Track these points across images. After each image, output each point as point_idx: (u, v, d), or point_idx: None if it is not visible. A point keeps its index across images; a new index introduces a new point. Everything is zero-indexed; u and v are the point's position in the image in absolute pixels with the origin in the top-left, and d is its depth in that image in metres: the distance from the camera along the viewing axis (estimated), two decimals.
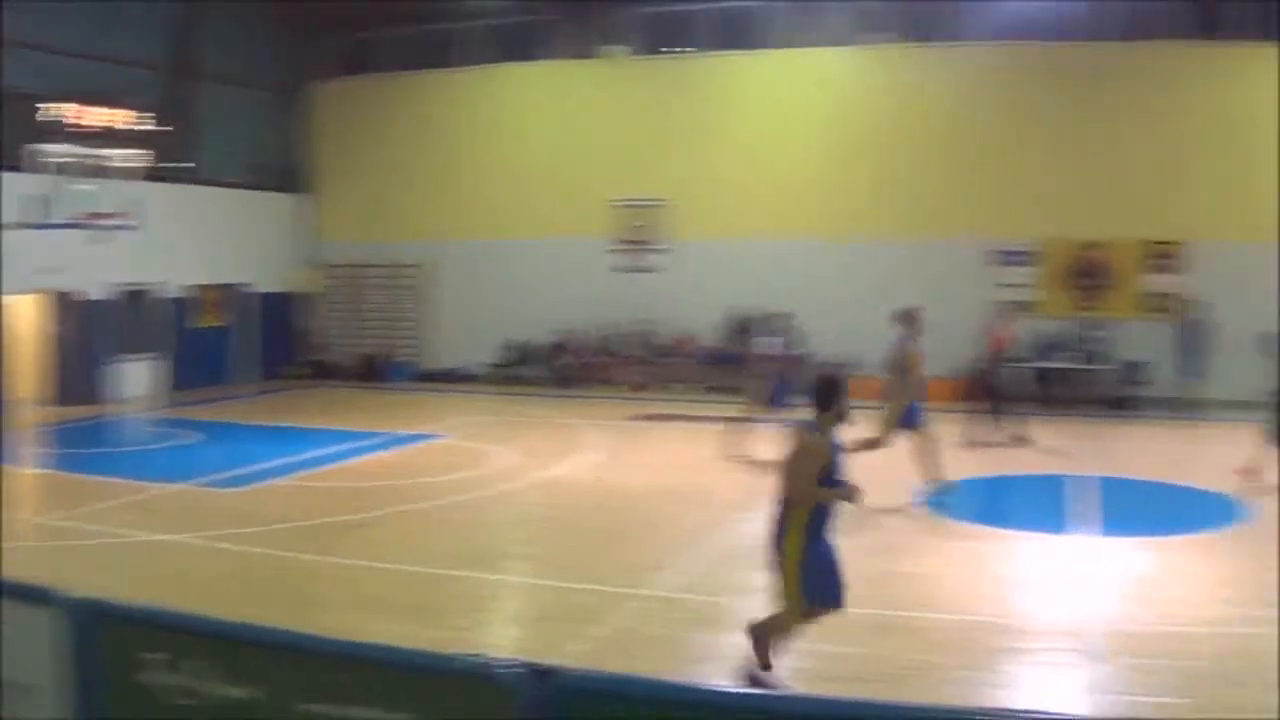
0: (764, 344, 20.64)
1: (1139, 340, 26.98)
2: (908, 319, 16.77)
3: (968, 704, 8.68)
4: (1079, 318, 27.66)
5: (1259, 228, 26.03)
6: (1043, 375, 27.17)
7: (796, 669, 9.41)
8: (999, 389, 21.80)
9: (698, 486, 17.54)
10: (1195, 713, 8.50)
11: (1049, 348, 27.35)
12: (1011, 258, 28.07)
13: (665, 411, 26.59)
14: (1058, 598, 11.81)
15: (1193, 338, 25.45)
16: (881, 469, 18.48)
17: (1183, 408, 25.26)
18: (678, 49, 31.82)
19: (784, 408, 17.46)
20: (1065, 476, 18.30)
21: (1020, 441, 21.25)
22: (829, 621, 9.15)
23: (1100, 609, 11.34)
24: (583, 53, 32.00)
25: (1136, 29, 27.20)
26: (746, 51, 30.65)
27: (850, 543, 13.88)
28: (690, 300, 30.27)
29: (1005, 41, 27.90)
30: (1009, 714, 7.99)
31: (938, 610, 11.27)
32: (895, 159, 28.70)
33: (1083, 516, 15.53)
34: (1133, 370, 26.97)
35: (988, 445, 20.93)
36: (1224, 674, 9.44)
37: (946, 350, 26.15)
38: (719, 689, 7.39)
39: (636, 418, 25.47)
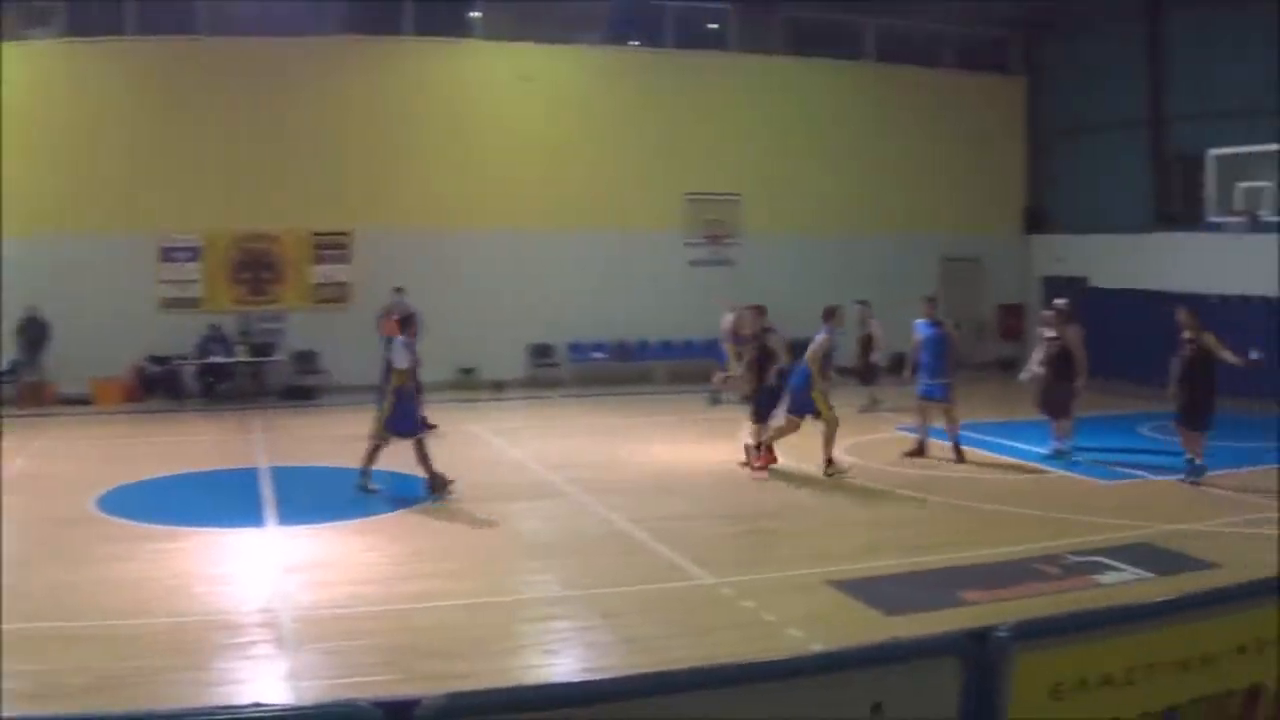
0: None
1: (312, 330, 27.77)
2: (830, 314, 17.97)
3: (189, 705, 8.57)
4: (248, 311, 27.85)
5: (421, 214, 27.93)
6: (211, 370, 27.01)
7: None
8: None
9: None
10: (400, 688, 8.71)
11: (215, 341, 27.07)
12: (179, 253, 27.80)
13: None
14: (255, 590, 11.78)
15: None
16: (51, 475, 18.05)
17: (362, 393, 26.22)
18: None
19: None
20: (249, 469, 18.40)
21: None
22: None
23: (298, 597, 11.49)
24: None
25: (293, 24, 27.80)
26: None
27: (21, 554, 13.42)
28: None
29: (158, 36, 27.59)
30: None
31: (133, 615, 10.84)
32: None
33: (270, 507, 15.66)
34: (307, 360, 27.62)
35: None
36: (424, 647, 9.90)
37: (108, 351, 25.75)
38: None
39: None
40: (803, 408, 17.85)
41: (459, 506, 15.65)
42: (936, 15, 32.44)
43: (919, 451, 19.22)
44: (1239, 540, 13.89)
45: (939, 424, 19.28)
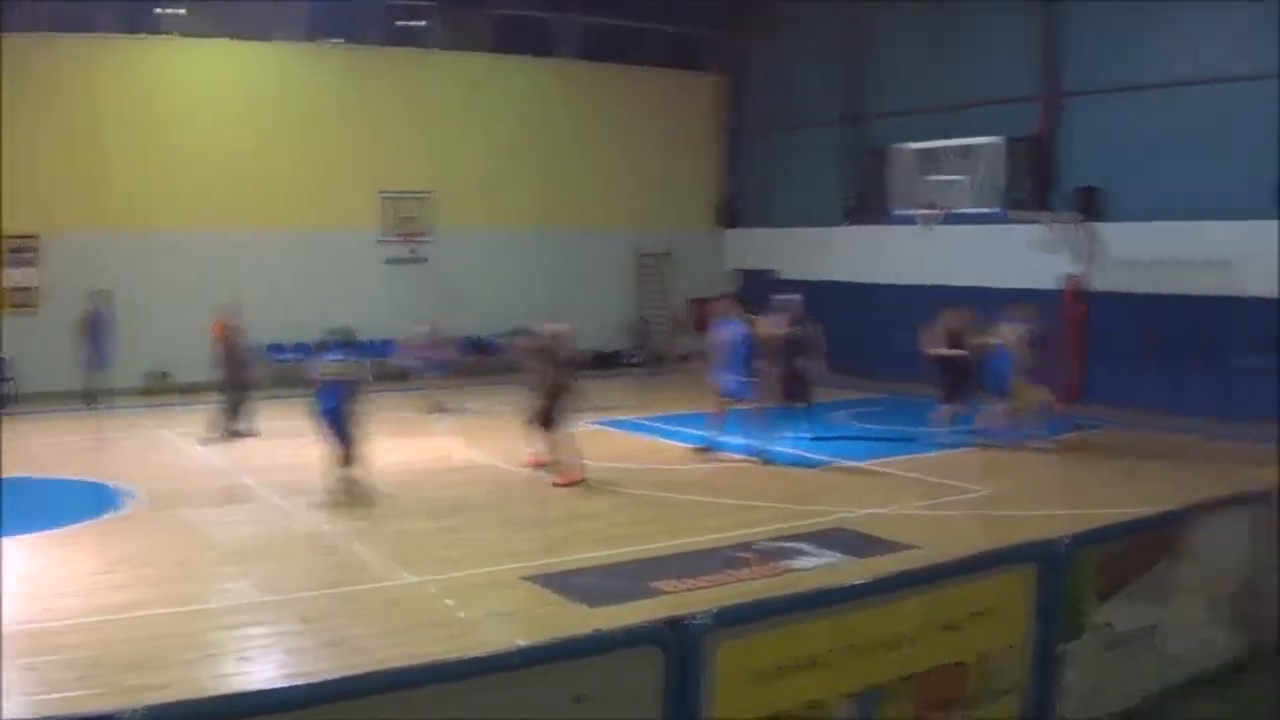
0: None
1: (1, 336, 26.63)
2: None
3: None
4: None
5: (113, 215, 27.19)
6: None
7: None
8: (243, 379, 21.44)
9: None
10: (97, 702, 8.59)
11: None
12: None
13: None
14: None
15: (97, 328, 25.57)
16: None
17: (54, 400, 25.38)
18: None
19: None
20: None
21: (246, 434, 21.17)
22: None
23: None
24: None
25: None
26: None
27: None
28: None
29: None
30: None
31: None
32: None
33: None
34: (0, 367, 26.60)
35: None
36: (121, 660, 9.77)
37: None
38: None
39: None
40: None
41: (153, 514, 15.44)
42: (637, 14, 33.21)
43: (708, 450, 19.17)
44: (931, 522, 14.80)
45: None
